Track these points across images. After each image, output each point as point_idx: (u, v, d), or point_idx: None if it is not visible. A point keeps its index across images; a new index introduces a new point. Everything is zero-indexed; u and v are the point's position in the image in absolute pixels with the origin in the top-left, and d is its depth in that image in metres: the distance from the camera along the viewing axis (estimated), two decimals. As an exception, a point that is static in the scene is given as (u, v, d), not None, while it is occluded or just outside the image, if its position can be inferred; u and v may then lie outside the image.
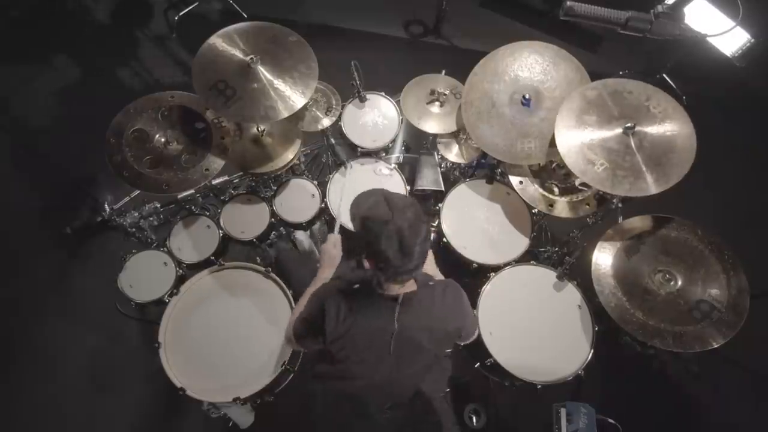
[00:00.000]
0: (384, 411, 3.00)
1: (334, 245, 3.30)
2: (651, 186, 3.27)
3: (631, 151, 3.34)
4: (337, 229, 3.52)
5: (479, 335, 3.69)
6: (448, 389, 4.29)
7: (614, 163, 3.33)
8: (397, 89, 4.48)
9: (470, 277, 4.10)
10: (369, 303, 2.61)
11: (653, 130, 3.38)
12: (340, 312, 2.60)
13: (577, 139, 3.43)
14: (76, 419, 4.67)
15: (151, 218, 4.47)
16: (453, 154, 4.37)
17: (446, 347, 2.98)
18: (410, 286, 2.63)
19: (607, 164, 3.33)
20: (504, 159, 3.85)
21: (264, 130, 4.22)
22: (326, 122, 4.29)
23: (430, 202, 4.50)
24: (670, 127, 3.38)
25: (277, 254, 4.51)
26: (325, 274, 3.18)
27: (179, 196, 4.33)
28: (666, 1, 4.52)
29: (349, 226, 3.62)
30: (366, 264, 2.51)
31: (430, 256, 3.29)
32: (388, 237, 2.29)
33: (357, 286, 2.69)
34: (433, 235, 4.37)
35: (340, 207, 4.03)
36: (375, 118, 4.52)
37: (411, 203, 2.43)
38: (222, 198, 4.57)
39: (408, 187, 4.35)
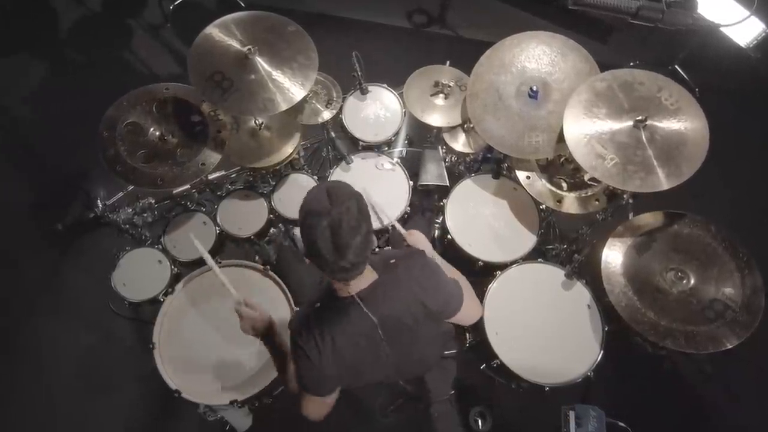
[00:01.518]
0: (388, 414, 3.01)
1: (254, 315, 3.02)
2: (663, 181, 3.26)
3: (642, 145, 3.34)
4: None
5: (486, 336, 3.70)
6: (452, 391, 4.29)
7: (625, 158, 3.33)
8: (399, 81, 4.48)
9: (475, 275, 4.09)
10: (336, 315, 2.58)
11: (665, 123, 3.38)
12: (315, 339, 2.55)
13: (586, 133, 3.43)
14: (68, 421, 4.68)
15: (145, 214, 4.45)
16: (459, 143, 4.36)
17: (439, 318, 2.93)
18: (369, 278, 2.60)
19: (618, 159, 3.33)
20: (510, 153, 3.85)
21: (262, 123, 4.23)
22: (326, 115, 4.29)
23: (434, 198, 4.49)
24: (682, 120, 3.38)
25: (277, 252, 4.51)
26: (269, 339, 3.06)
27: (174, 191, 4.32)
28: (678, -10, 4.52)
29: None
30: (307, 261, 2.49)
31: (427, 246, 3.28)
32: (322, 231, 2.23)
33: (318, 304, 2.66)
34: (437, 232, 4.37)
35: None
36: (377, 110, 4.52)
37: (355, 196, 2.37)
38: (219, 193, 4.56)
39: (411, 183, 4.34)
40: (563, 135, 3.48)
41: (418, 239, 3.25)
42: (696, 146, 3.31)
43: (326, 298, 2.63)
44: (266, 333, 3.00)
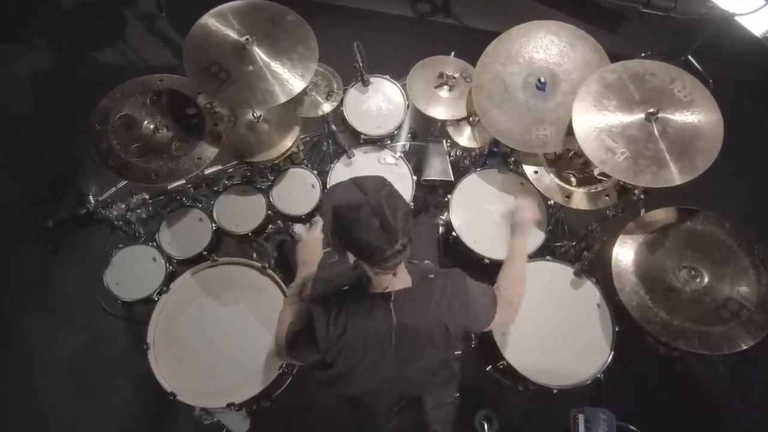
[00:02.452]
0: (391, 417, 3.00)
1: (313, 242, 3.27)
2: (675, 176, 3.27)
3: (654, 139, 3.34)
4: (319, 227, 3.46)
5: (492, 336, 3.70)
6: (457, 394, 4.28)
7: (636, 152, 3.33)
8: (402, 72, 4.48)
9: (481, 273, 4.09)
10: (360, 304, 2.60)
11: (678, 115, 3.38)
12: (330, 318, 2.58)
13: (596, 126, 3.43)
14: (59, 424, 4.68)
15: (139, 210, 4.47)
16: (465, 137, 4.36)
17: (457, 343, 2.95)
18: (404, 281, 2.63)
19: (629, 153, 3.33)
20: (517, 147, 3.86)
21: (260, 116, 4.22)
22: (327, 107, 4.30)
23: (438, 193, 4.49)
24: (695, 112, 3.38)
25: (279, 246, 4.51)
26: (303, 275, 3.13)
27: (169, 186, 4.32)
28: (691, -22, 4.51)
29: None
30: (351, 259, 2.51)
31: (530, 219, 3.31)
32: (366, 219, 2.25)
33: (346, 288, 2.67)
34: (441, 229, 4.37)
35: None
36: (379, 103, 4.52)
37: (382, 182, 2.40)
38: (215, 189, 4.56)
39: (414, 177, 4.34)
40: (572, 128, 3.48)
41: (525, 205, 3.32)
42: (710, 140, 3.31)
43: (355, 286, 2.65)
44: (308, 265, 3.17)
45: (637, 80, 3.50)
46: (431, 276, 2.75)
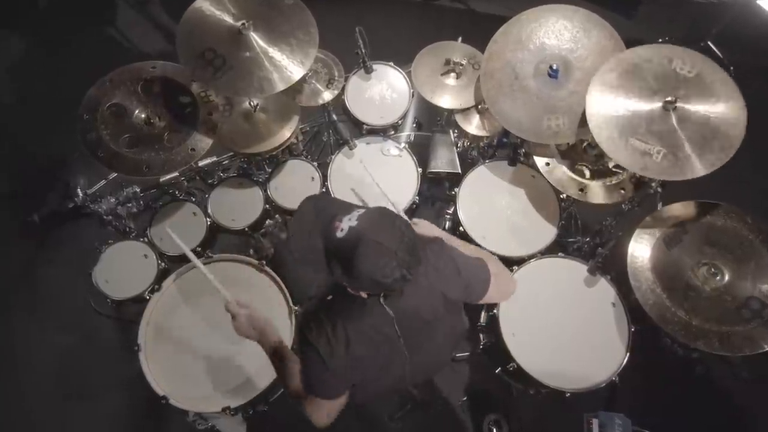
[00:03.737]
0: (395, 419, 3.01)
1: (249, 323, 2.91)
2: (695, 168, 3.27)
3: (672, 129, 3.34)
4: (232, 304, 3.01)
5: (501, 338, 3.70)
6: (465, 398, 4.29)
7: (670, 145, 3.31)
8: (407, 59, 4.48)
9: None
10: (351, 307, 2.57)
11: (697, 104, 3.37)
12: (329, 336, 2.54)
13: (611, 115, 3.42)
14: (45, 430, 4.69)
15: (129, 204, 4.45)
16: (473, 127, 4.36)
17: (458, 307, 2.94)
18: None
19: (664, 149, 3.31)
20: (528, 137, 3.86)
21: (257, 104, 4.23)
22: (327, 96, 4.30)
23: (444, 186, 4.50)
24: (716, 101, 3.37)
25: (274, 245, 4.51)
26: (268, 345, 2.90)
27: (161, 179, 4.35)
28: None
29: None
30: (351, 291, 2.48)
31: (438, 232, 3.28)
32: (392, 270, 2.25)
33: (330, 297, 2.65)
34: (448, 224, 4.37)
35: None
36: (382, 91, 4.54)
37: (399, 234, 2.32)
38: (210, 182, 4.59)
39: (420, 170, 4.35)
40: (586, 118, 3.48)
41: (424, 227, 3.24)
42: (731, 130, 3.30)
43: (339, 290, 2.59)
44: (265, 332, 2.91)
45: (654, 68, 3.47)
46: None
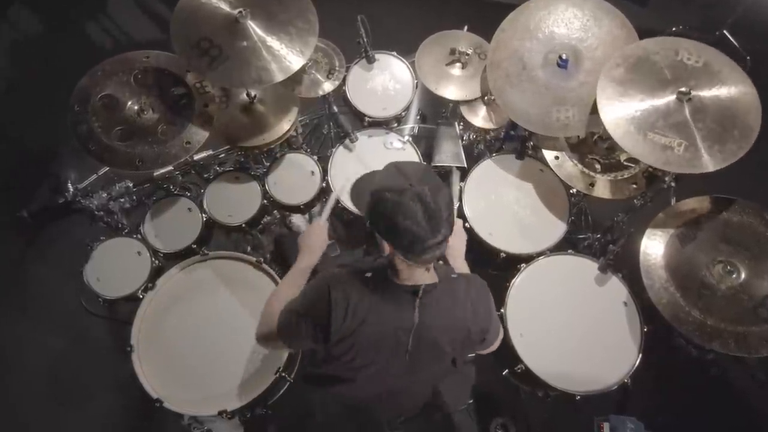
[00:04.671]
0: (396, 426, 3.00)
1: (319, 230, 3.20)
2: (710, 162, 3.27)
3: (689, 120, 3.33)
4: (325, 215, 3.44)
5: (509, 338, 3.70)
6: (471, 400, 4.28)
7: (690, 136, 3.31)
8: (411, 48, 4.47)
9: (497, 269, 4.11)
10: (384, 294, 2.56)
11: (712, 96, 3.38)
12: (350, 304, 2.52)
13: (626, 114, 3.41)
14: (34, 434, 4.70)
15: (122, 200, 4.47)
16: (479, 119, 4.37)
17: (467, 352, 2.96)
18: (432, 278, 2.60)
19: (684, 141, 3.31)
20: (536, 130, 3.86)
21: (255, 96, 4.22)
22: (328, 87, 4.30)
23: (449, 181, 4.50)
24: (731, 92, 3.38)
25: (276, 239, 4.52)
26: (305, 262, 3.08)
27: (155, 173, 4.33)
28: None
29: (352, 208, 3.64)
30: (386, 248, 2.49)
31: (461, 247, 3.30)
32: (410, 204, 2.27)
33: (369, 274, 2.63)
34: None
35: (345, 188, 3.99)
36: (385, 82, 4.53)
37: (426, 168, 2.45)
38: (206, 176, 4.58)
39: (424, 164, 4.32)
40: (596, 109, 3.47)
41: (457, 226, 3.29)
42: (747, 122, 3.31)
43: (379, 275, 2.61)
44: (315, 252, 3.13)
45: (667, 58, 3.48)
46: (454, 276, 2.76)
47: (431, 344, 2.64)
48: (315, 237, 3.16)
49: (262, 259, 4.00)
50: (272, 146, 4.28)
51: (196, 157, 4.39)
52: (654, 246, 3.69)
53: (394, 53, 4.59)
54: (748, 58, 5.28)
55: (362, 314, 2.53)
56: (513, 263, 3.98)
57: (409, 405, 3.04)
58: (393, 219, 2.31)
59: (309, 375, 2.91)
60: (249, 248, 4.66)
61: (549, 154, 4.04)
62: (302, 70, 4.11)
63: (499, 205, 4.22)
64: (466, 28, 4.46)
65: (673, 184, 3.78)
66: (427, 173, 2.40)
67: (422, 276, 2.55)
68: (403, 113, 4.51)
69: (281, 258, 4.17)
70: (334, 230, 4.49)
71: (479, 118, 4.34)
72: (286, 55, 3.61)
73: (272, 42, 3.62)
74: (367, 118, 4.44)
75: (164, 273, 4.04)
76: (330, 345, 2.59)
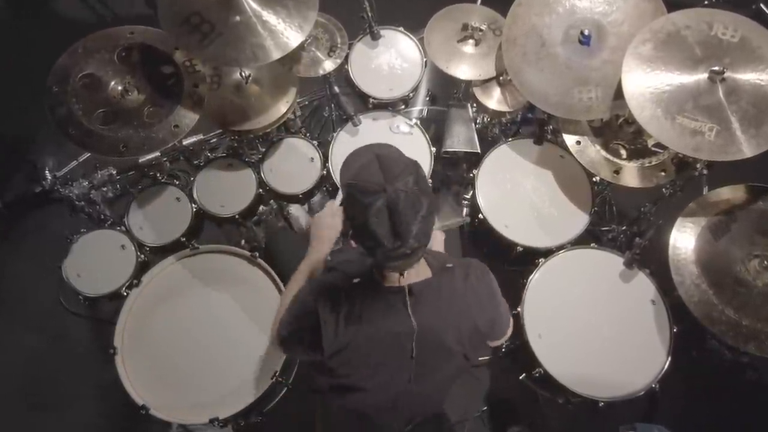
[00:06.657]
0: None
1: (332, 216, 3.13)
2: (746, 147, 3.26)
3: (722, 102, 3.33)
4: (339, 198, 3.41)
5: (526, 340, 3.71)
6: (485, 407, 4.29)
7: (723, 120, 3.30)
8: (419, 24, 4.47)
9: (513, 264, 4.11)
10: (374, 300, 2.54)
11: (748, 75, 3.37)
12: (340, 317, 2.51)
13: (654, 95, 3.39)
14: (9, 443, 4.71)
15: (104, 189, 4.46)
16: (494, 100, 4.36)
17: (478, 348, 2.94)
18: (422, 273, 2.58)
19: (717, 125, 3.30)
20: (556, 113, 3.86)
21: (249, 75, 4.23)
22: (329, 66, 4.29)
23: (461, 168, 4.50)
24: (766, 67, 3.36)
25: (267, 235, 4.52)
26: (315, 254, 3.06)
27: (141, 160, 4.34)
28: None
29: None
30: (351, 243, 2.48)
31: (439, 236, 3.29)
32: (377, 210, 2.18)
33: (357, 280, 2.60)
34: (465, 210, 4.37)
35: None
36: (391, 60, 4.53)
37: (412, 167, 2.34)
38: (196, 163, 4.58)
39: (433, 149, 4.36)
40: (621, 90, 3.47)
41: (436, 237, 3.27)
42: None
43: (368, 278, 2.58)
44: (324, 242, 3.07)
45: (699, 33, 3.46)
46: (449, 265, 2.71)
47: (436, 346, 2.62)
48: (325, 225, 3.11)
49: (257, 253, 4.01)
50: (268, 130, 4.28)
51: (185, 142, 4.39)
52: (684, 239, 3.69)
53: (401, 29, 4.58)
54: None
55: (354, 325, 2.51)
56: (531, 258, 3.98)
57: (420, 411, 3.04)
58: (357, 219, 2.27)
59: (314, 387, 2.91)
60: (243, 241, 4.67)
61: (570, 139, 4.03)
62: (301, 47, 4.12)
63: (515, 194, 4.22)
64: (479, 1, 4.46)
65: (705, 171, 3.76)
66: (411, 173, 2.29)
67: (410, 275, 2.51)
68: (411, 94, 4.50)
69: (279, 253, 4.16)
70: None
71: (494, 99, 4.34)
72: (283, 30, 3.61)
73: (268, 16, 3.62)
74: (371, 100, 4.44)
75: (151, 268, 4.05)
76: (326, 359, 2.57)
